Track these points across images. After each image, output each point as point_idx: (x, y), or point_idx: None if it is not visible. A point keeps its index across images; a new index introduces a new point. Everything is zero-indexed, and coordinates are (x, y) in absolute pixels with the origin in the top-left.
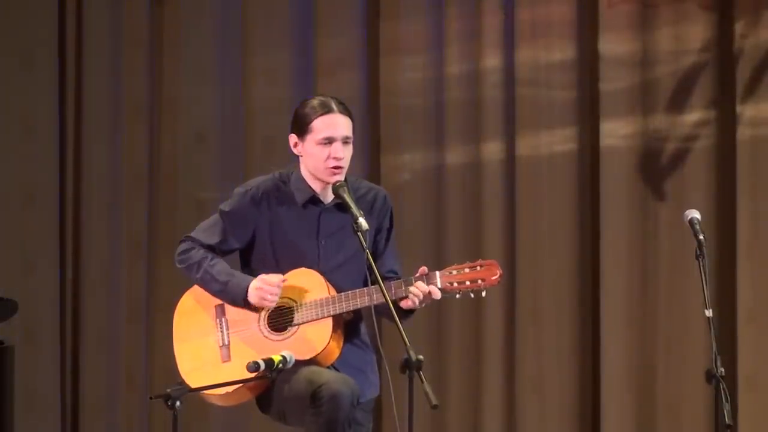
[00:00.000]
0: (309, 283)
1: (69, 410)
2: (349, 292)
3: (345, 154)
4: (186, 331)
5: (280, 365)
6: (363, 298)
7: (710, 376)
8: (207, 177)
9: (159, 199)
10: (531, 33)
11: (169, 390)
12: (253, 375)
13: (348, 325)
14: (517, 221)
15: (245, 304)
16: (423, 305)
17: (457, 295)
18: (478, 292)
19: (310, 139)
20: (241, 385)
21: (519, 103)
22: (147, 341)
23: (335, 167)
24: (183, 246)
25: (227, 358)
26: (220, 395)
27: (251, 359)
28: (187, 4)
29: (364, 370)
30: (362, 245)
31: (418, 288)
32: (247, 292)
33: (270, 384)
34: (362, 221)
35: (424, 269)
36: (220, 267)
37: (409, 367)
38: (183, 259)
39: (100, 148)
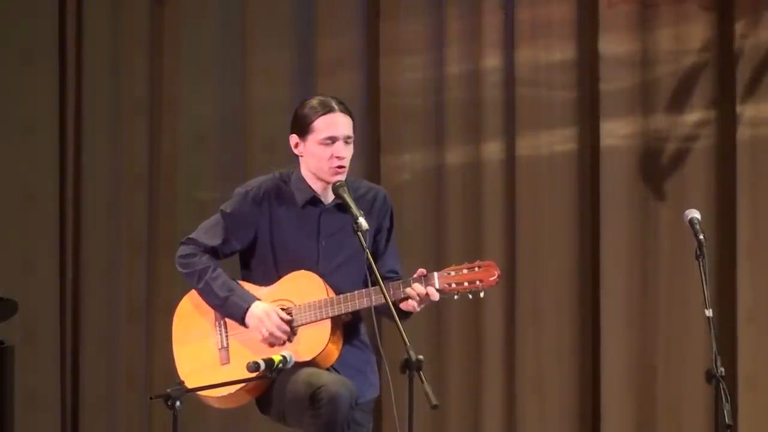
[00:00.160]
0: (308, 286)
1: (69, 410)
2: (348, 294)
3: (347, 153)
4: (185, 334)
5: (281, 365)
6: (361, 300)
7: (710, 376)
8: (207, 177)
9: (159, 199)
10: (531, 33)
11: (169, 390)
12: (253, 375)
13: (347, 326)
14: (517, 221)
15: (241, 322)
16: (422, 307)
17: (456, 296)
18: (476, 293)
19: (312, 139)
20: (240, 386)
21: (519, 103)
22: (147, 341)
23: (338, 167)
24: (185, 249)
25: (226, 360)
26: (219, 397)
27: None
28: (187, 4)
29: (364, 371)
30: (362, 245)
31: (415, 290)
32: (246, 312)
33: (270, 385)
34: (362, 221)
35: (422, 271)
36: (222, 281)
37: (409, 367)
38: (185, 264)
39: (100, 148)
